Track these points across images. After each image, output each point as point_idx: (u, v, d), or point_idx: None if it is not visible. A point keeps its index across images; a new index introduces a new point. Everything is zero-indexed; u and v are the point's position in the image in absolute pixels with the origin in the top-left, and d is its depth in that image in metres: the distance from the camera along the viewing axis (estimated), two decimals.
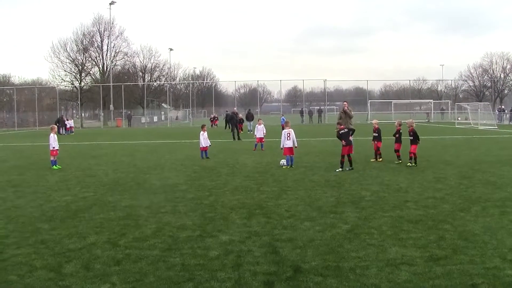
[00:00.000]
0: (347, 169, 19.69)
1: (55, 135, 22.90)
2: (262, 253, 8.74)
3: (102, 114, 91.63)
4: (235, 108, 49.84)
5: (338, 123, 21.43)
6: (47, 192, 15.55)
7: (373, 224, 10.74)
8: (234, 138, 39.93)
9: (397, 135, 22.46)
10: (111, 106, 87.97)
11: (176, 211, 12.43)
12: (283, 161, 21.43)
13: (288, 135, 21.29)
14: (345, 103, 23.83)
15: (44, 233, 10.39)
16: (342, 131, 20.45)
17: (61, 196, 14.76)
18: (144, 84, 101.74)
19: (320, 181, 16.98)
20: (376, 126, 23.25)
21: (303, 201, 13.40)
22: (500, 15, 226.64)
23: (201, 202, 13.55)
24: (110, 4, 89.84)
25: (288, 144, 21.21)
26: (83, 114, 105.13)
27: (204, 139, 25.62)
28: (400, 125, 22.81)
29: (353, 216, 11.54)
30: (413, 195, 14.06)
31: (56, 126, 24.90)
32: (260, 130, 30.14)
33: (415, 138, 20.70)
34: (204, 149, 25.53)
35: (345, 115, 22.82)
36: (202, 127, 26.60)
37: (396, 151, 22.16)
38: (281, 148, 21.74)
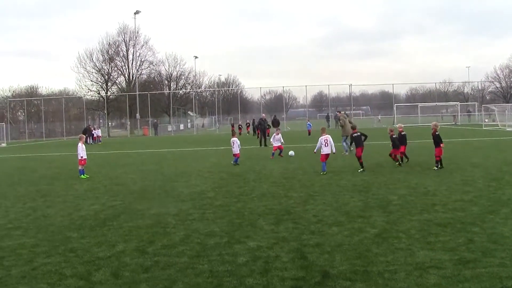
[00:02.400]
0: (359, 171, 20.60)
1: (83, 145, 23.16)
2: (290, 258, 8.75)
3: (129, 123, 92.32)
4: (263, 115, 49.81)
5: (352, 128, 23.09)
6: (76, 201, 15.71)
7: (401, 228, 10.69)
8: (260, 145, 39.92)
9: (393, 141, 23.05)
10: (138, 115, 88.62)
11: (204, 218, 12.48)
12: (292, 152, 23.71)
13: (326, 141, 20.98)
14: (338, 113, 24.93)
15: (73, 242, 10.51)
16: (355, 135, 21.82)
17: (90, 205, 14.90)
18: (169, 92, 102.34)
19: (347, 185, 16.95)
20: (400, 130, 23.10)
21: (331, 206, 13.39)
22: None
23: (229, 208, 13.60)
24: (135, 13, 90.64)
25: (326, 150, 20.90)
26: (109, 123, 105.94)
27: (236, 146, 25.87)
28: (392, 131, 23.50)
29: (381, 220, 11.51)
30: (441, 198, 13.98)
31: (84, 136, 25.08)
32: (277, 140, 29.60)
33: (436, 141, 20.56)
34: (236, 156, 25.83)
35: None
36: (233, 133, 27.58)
37: (391, 155, 23.09)
38: (314, 152, 21.80)
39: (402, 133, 22.92)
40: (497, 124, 60.46)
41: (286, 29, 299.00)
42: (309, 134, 55.33)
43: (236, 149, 25.75)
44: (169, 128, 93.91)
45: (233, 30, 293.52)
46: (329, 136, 21.18)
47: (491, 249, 8.87)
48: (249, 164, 25.45)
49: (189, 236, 10.66)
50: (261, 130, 42.14)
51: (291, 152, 21.97)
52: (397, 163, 22.30)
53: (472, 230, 10.30)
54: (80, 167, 22.71)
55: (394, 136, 22.81)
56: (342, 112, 24.22)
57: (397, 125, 24.37)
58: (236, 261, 8.70)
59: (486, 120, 69.74)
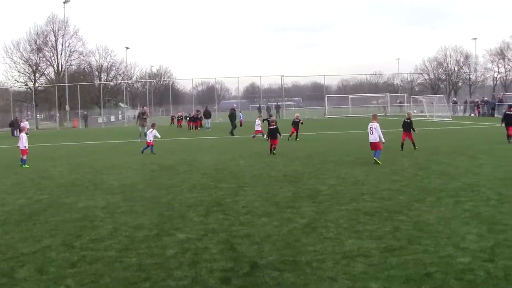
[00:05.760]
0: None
1: (26, 135, 23.85)
2: (219, 250, 8.73)
3: (58, 115, 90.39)
4: (234, 105, 49.67)
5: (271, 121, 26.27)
6: (1, 196, 15.22)
7: (329, 217, 10.81)
8: (232, 135, 40.02)
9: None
10: (67, 107, 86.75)
11: (133, 211, 12.32)
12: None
13: (371, 129, 19.79)
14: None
15: None
16: (271, 127, 25.07)
17: (15, 200, 14.44)
18: (100, 83, 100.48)
19: (278, 176, 17.03)
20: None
21: (261, 197, 13.42)
22: (453, 9, 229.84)
23: (159, 200, 13.46)
24: (64, 2, 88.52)
25: (371, 139, 19.77)
26: (38, 115, 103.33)
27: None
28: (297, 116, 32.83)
29: (310, 210, 11.61)
30: (369, 188, 14.21)
31: (26, 127, 25.34)
32: (258, 125, 35.51)
33: (407, 127, 24.17)
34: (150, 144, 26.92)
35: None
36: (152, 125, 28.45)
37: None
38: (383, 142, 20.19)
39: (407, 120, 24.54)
40: (425, 115, 61.84)
41: (220, 21, 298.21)
42: (241, 125, 55.33)
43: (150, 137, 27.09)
44: (100, 120, 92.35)
45: (166, 20, 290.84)
46: (377, 124, 19.95)
47: (416, 236, 9.07)
48: (181, 155, 25.29)
49: (118, 229, 10.50)
50: (232, 120, 42.03)
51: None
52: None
53: (399, 218, 10.51)
54: (23, 157, 22.96)
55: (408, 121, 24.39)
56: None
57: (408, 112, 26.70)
58: (165, 254, 8.62)
59: (415, 111, 71.06)
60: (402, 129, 24.73)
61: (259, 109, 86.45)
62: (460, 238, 8.88)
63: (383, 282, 6.94)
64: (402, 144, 23.97)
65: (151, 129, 27.61)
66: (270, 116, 37.26)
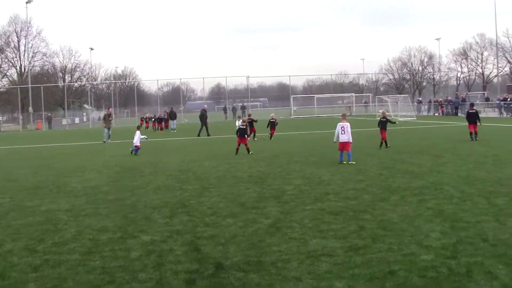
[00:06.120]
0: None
1: None
2: (184, 251, 8.68)
3: (21, 117, 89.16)
4: (205, 105, 49.27)
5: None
6: None
7: (294, 217, 10.83)
8: (209, 135, 39.98)
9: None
10: (30, 109, 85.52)
11: (97, 213, 12.18)
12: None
13: (343, 128, 19.54)
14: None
15: None
16: (242, 127, 25.22)
17: None
18: (64, 85, 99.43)
19: (243, 177, 17.02)
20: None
21: (226, 198, 13.40)
22: (417, 10, 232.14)
23: (123, 203, 13.34)
24: (27, 2, 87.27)
25: (343, 138, 19.49)
26: (0, 117, 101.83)
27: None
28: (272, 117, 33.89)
29: (275, 210, 11.62)
30: (335, 187, 14.28)
31: None
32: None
33: (383, 126, 24.80)
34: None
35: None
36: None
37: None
38: (334, 142, 20.23)
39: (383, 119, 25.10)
40: (390, 114, 62.36)
41: (185, 21, 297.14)
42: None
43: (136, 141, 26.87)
44: (64, 122, 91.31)
45: (130, 21, 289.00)
46: (348, 123, 19.89)
47: (380, 235, 9.14)
48: (146, 157, 25.13)
49: (81, 232, 10.37)
50: (203, 120, 41.69)
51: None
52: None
53: (363, 217, 10.58)
54: None
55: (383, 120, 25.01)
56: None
57: (380, 111, 27.03)
58: (129, 256, 8.54)
59: (380, 111, 71.85)
60: (379, 128, 25.14)
61: (225, 109, 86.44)
62: (423, 236, 8.98)
63: (347, 281, 6.97)
64: (381, 143, 24.71)
65: (137, 132, 27.48)
66: (243, 116, 36.73)
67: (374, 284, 6.82)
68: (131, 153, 26.50)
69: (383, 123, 24.89)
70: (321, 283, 6.92)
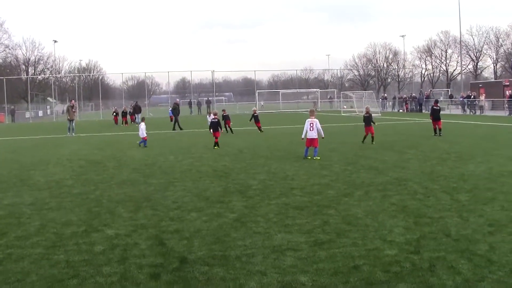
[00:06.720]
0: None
1: None
2: (148, 245, 8.63)
3: None
4: (177, 99, 48.78)
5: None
6: None
7: (259, 212, 10.84)
8: (181, 129, 39.55)
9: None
10: None
11: (61, 207, 12.04)
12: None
13: (312, 125, 19.51)
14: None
15: None
16: (214, 121, 25.61)
17: None
18: (27, 77, 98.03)
19: (208, 171, 16.97)
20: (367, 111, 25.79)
21: (190, 192, 13.34)
22: (382, 6, 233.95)
23: (87, 196, 13.20)
24: None
25: (311, 135, 19.46)
26: None
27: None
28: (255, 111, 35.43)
29: (240, 205, 11.62)
30: (299, 182, 14.32)
31: None
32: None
33: (368, 121, 25.00)
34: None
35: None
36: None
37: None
38: (302, 139, 20.11)
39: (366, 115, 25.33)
40: (355, 110, 62.83)
41: (150, 15, 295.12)
42: (171, 120, 54.85)
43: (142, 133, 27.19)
44: (27, 115, 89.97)
45: (95, 14, 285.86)
46: (316, 120, 19.84)
47: (345, 230, 9.19)
48: (111, 151, 24.92)
49: (45, 226, 10.24)
50: (175, 114, 41.27)
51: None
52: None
53: (328, 212, 10.63)
54: None
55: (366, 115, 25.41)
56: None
57: (366, 107, 27.06)
58: (93, 250, 8.46)
59: (345, 107, 72.35)
60: (363, 124, 25.49)
61: (190, 104, 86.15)
62: (387, 231, 9.06)
63: (312, 275, 6.99)
64: (365, 137, 25.04)
65: (142, 123, 28.00)
66: (223, 111, 36.43)
67: (338, 279, 6.85)
68: (139, 145, 26.71)
69: (367, 118, 25.04)
70: (286, 277, 6.93)
